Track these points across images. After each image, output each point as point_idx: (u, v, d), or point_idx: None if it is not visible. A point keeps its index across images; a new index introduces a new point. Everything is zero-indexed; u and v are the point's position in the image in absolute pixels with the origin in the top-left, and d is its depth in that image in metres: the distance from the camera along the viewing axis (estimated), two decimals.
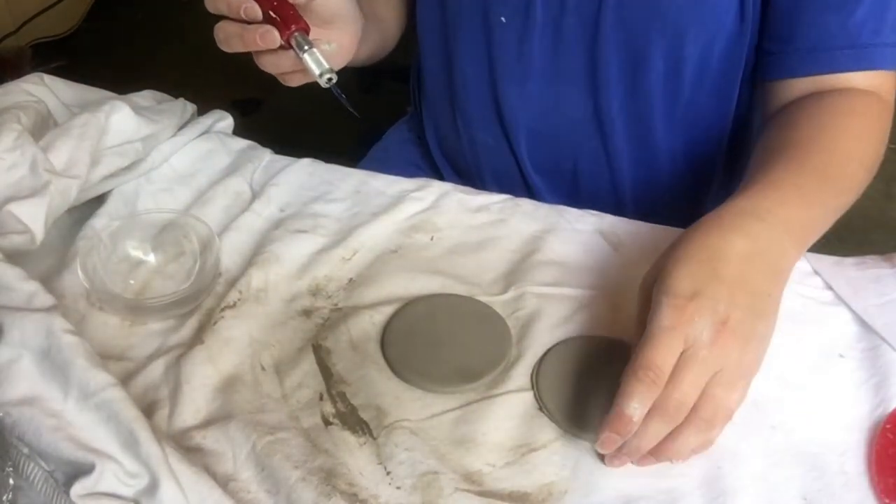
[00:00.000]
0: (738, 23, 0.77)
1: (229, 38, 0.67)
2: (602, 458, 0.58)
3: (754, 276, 0.57)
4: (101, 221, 0.71)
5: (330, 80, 0.65)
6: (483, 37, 0.85)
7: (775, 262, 0.60)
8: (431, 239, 0.74)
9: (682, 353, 0.54)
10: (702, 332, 0.54)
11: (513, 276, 0.70)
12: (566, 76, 0.84)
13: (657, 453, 0.56)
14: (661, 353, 0.53)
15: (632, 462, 0.57)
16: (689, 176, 0.89)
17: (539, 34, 0.82)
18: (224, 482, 0.54)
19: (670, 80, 0.82)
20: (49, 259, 0.68)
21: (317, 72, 0.64)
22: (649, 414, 0.53)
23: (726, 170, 0.89)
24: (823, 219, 0.67)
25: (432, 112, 0.99)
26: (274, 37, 0.64)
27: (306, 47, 0.64)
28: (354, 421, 0.59)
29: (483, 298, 0.68)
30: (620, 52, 0.81)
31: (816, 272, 0.71)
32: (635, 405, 0.53)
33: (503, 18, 0.83)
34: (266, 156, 0.81)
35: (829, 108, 0.73)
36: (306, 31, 0.65)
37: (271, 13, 0.64)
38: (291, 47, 0.65)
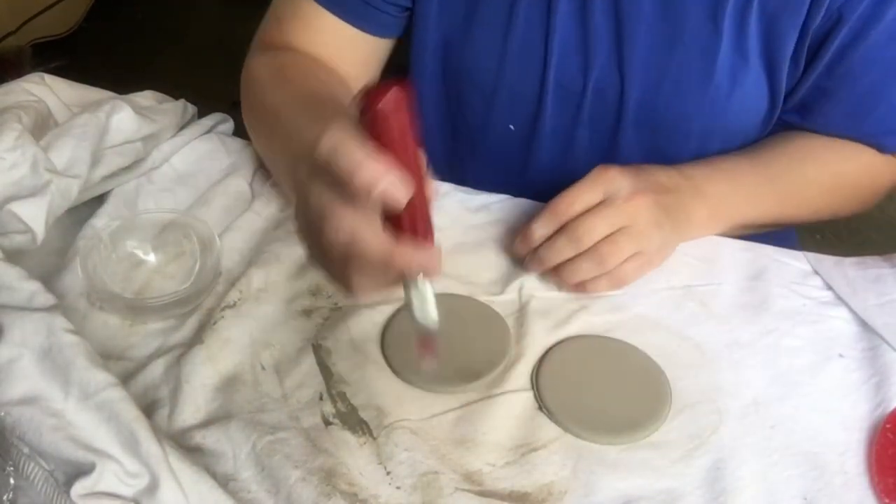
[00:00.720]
0: (765, 124, 0.78)
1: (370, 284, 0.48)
2: (602, 458, 0.58)
3: (667, 197, 0.69)
4: (101, 221, 0.71)
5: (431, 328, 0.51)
6: (486, 140, 0.84)
7: (683, 209, 0.71)
8: None
9: (600, 203, 0.66)
10: (619, 190, 0.67)
11: (513, 276, 0.70)
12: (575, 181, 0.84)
13: (559, 272, 0.67)
14: (571, 198, 0.66)
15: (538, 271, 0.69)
16: None
17: (548, 144, 0.81)
18: (224, 482, 0.54)
19: None
20: (49, 259, 0.68)
21: (430, 317, 0.50)
22: (557, 232, 0.66)
23: None
24: (768, 217, 0.76)
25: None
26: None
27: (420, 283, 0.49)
28: (354, 421, 0.59)
29: (483, 298, 0.68)
30: (639, 162, 0.80)
31: (816, 272, 0.71)
32: (537, 226, 0.67)
33: (511, 126, 0.82)
34: None
35: (813, 137, 0.78)
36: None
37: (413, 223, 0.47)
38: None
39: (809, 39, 0.71)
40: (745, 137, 0.79)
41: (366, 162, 0.42)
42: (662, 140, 0.78)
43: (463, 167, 0.88)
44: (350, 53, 0.79)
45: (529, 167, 0.84)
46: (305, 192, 0.47)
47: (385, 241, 0.45)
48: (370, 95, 0.42)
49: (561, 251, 0.66)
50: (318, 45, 0.78)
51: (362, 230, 0.44)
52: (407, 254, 0.45)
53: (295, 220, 0.51)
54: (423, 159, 0.45)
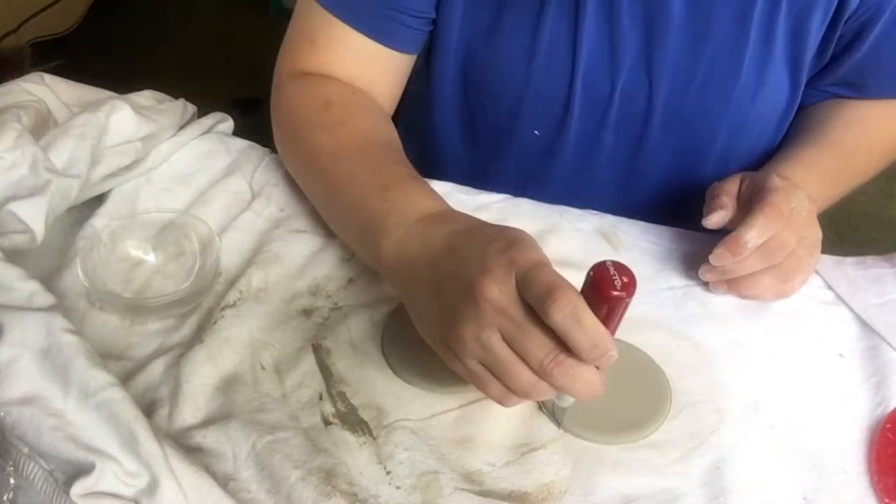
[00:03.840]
0: (785, 117, 0.79)
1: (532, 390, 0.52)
2: (602, 458, 0.58)
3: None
4: (101, 221, 0.71)
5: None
6: (510, 146, 0.84)
7: None
8: None
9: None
10: (802, 201, 0.66)
11: None
12: (598, 186, 0.83)
13: (738, 285, 0.68)
14: (781, 199, 0.64)
15: (719, 289, 0.69)
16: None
17: (573, 148, 0.81)
18: (224, 482, 0.54)
19: (719, 175, 0.81)
20: (49, 259, 0.68)
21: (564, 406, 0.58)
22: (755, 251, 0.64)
23: None
24: (837, 197, 0.77)
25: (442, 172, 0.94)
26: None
27: None
28: (354, 421, 0.59)
29: None
30: (665, 164, 0.80)
31: (816, 272, 0.71)
32: (753, 234, 0.63)
33: (537, 132, 0.81)
34: (266, 156, 0.81)
35: (870, 106, 0.79)
36: None
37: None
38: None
39: (843, 28, 0.73)
40: (769, 134, 0.80)
41: (601, 344, 0.48)
42: (688, 142, 0.79)
43: (485, 172, 0.88)
44: (382, 73, 0.78)
45: (553, 171, 0.84)
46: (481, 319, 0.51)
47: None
48: (605, 280, 0.49)
49: (753, 266, 0.66)
50: (353, 67, 0.76)
51: (583, 367, 0.50)
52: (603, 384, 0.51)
53: (425, 322, 0.57)
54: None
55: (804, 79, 0.76)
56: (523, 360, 0.50)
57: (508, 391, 0.52)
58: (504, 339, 0.50)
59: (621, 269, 0.49)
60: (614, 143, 0.80)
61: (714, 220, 0.68)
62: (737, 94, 0.75)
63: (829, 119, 0.79)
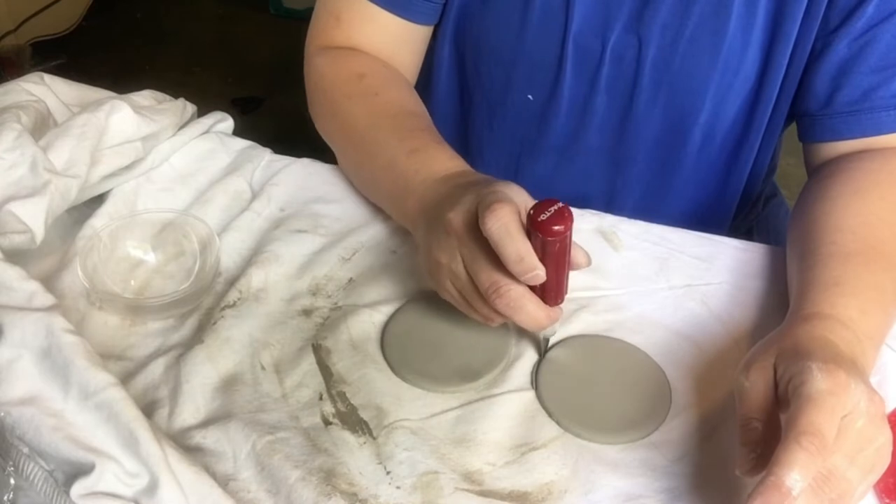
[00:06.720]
0: (757, 76, 0.77)
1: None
2: (602, 458, 0.58)
3: (864, 377, 0.54)
4: (101, 221, 0.71)
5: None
6: (504, 111, 0.85)
7: (861, 370, 0.55)
8: None
9: (842, 433, 0.49)
10: (859, 401, 0.50)
11: None
12: (589, 152, 0.84)
13: None
14: (825, 417, 0.48)
15: None
16: (696, 227, 0.80)
17: (566, 112, 0.82)
18: (224, 482, 0.54)
19: (705, 149, 0.82)
20: (49, 259, 0.68)
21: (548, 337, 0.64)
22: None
23: (736, 214, 0.88)
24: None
25: None
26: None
27: None
28: (354, 421, 0.59)
29: None
30: (655, 130, 0.81)
31: None
32: (796, 476, 0.47)
33: (530, 96, 0.82)
34: (266, 156, 0.81)
35: (889, 175, 0.70)
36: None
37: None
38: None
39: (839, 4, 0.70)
40: (757, 100, 0.78)
41: (526, 258, 0.54)
42: (677, 104, 0.79)
43: (479, 140, 0.89)
44: (403, 45, 0.82)
45: (546, 138, 0.84)
46: (451, 241, 0.58)
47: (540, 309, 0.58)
48: (541, 217, 0.54)
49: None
50: (376, 40, 0.81)
51: (526, 299, 0.57)
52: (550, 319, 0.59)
53: (421, 256, 0.63)
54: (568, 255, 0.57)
55: (790, 43, 0.73)
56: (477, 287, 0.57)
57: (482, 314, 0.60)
58: (465, 267, 0.58)
59: (563, 209, 0.54)
60: (605, 107, 0.81)
61: (746, 469, 0.52)
62: (724, 54, 0.74)
63: (851, 224, 0.66)
